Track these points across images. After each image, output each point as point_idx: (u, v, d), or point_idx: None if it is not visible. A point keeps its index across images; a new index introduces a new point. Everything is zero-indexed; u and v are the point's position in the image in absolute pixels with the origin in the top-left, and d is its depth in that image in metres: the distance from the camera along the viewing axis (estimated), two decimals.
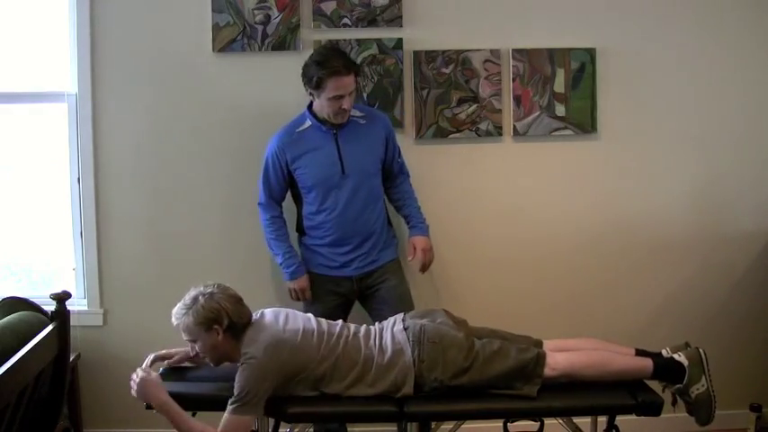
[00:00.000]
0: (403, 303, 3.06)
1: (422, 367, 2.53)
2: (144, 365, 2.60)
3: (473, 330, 2.71)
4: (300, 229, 3.17)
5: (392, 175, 3.19)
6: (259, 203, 3.14)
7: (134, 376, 2.50)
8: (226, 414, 2.42)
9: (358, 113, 3.05)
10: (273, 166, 3.06)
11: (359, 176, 3.02)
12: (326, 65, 2.84)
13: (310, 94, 2.95)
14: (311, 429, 2.69)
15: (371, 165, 3.07)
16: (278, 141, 3.05)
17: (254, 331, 2.53)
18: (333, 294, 3.10)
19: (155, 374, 2.53)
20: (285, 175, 3.07)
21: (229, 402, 2.41)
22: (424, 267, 3.18)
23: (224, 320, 2.48)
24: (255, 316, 2.62)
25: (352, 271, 3.08)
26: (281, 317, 2.62)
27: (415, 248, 3.14)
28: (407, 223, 3.20)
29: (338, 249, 3.08)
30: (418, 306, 3.12)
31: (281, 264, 3.09)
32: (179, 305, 2.53)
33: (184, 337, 2.55)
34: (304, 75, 2.94)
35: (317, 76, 2.86)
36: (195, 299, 2.51)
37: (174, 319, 2.53)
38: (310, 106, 3.04)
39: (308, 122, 3.02)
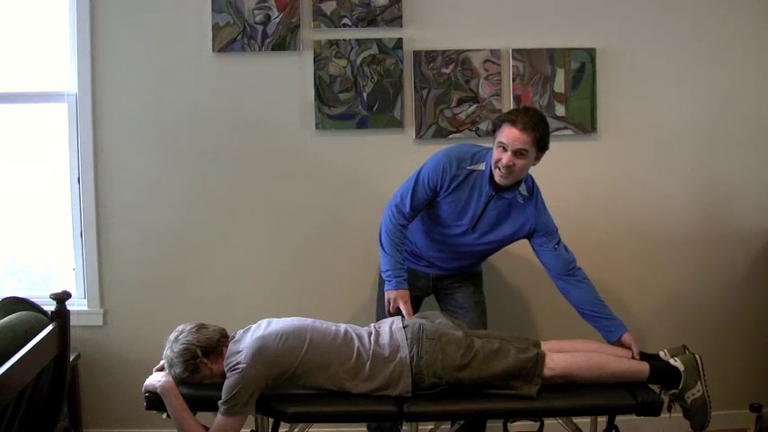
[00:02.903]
0: (477, 311, 3.03)
1: (420, 364, 2.54)
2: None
3: (471, 332, 2.72)
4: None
5: (549, 264, 2.92)
6: (397, 206, 2.90)
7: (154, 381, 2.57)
8: (217, 415, 2.48)
9: (524, 192, 2.87)
10: (430, 182, 2.86)
11: (481, 239, 2.91)
12: (509, 114, 2.76)
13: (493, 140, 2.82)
14: (311, 429, 2.68)
15: (501, 238, 2.93)
16: (446, 163, 2.85)
17: (238, 341, 2.60)
18: (409, 286, 2.94)
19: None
20: (434, 195, 2.90)
21: (219, 404, 2.47)
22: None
23: (198, 352, 2.56)
24: (241, 331, 2.67)
25: (433, 271, 3.06)
26: (263, 323, 2.67)
27: (630, 348, 2.79)
28: (600, 329, 2.85)
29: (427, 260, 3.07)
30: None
31: (387, 270, 2.90)
32: (164, 366, 2.62)
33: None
34: None
35: (495, 121, 2.80)
36: (167, 356, 2.60)
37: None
38: None
39: (484, 166, 2.83)
